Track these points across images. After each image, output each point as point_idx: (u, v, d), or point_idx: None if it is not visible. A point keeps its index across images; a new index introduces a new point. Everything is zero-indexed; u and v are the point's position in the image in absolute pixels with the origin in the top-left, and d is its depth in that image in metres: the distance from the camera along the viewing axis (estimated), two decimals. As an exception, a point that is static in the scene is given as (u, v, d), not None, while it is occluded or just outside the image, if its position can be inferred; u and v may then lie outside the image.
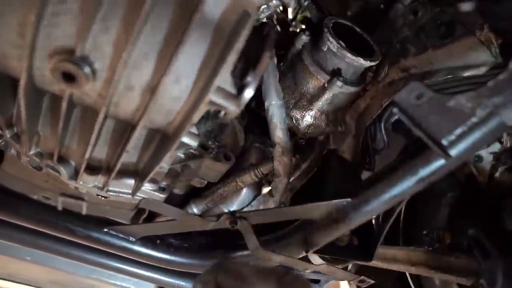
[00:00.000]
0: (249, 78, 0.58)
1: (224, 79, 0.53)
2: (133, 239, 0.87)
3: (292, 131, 0.99)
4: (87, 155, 0.65)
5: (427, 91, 0.56)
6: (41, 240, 0.88)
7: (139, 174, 0.75)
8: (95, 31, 0.48)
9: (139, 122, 0.55)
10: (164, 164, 0.76)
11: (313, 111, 0.93)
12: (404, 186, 0.67)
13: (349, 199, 0.74)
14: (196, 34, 0.49)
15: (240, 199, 1.05)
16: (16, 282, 1.11)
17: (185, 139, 0.66)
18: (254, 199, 1.01)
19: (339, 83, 0.85)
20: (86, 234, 0.83)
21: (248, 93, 0.57)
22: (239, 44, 0.48)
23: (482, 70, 0.82)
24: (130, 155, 0.72)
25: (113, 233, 0.85)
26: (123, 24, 0.47)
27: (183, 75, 0.52)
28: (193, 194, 1.04)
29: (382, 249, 0.95)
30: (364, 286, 0.87)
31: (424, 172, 0.65)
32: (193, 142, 0.67)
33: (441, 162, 0.63)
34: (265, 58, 0.59)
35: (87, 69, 0.50)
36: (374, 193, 0.70)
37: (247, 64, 0.60)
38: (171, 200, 1.07)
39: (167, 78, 0.51)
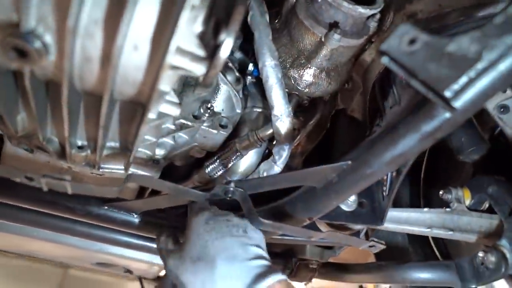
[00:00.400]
0: (221, 36, 0.52)
1: (186, 40, 0.48)
2: (135, 215, 0.86)
3: (292, 92, 0.93)
4: (65, 134, 0.62)
5: (420, 35, 0.49)
6: (46, 219, 0.89)
7: (128, 149, 0.72)
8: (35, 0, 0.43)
9: (104, 95, 0.51)
10: (149, 137, 0.72)
11: (312, 69, 0.86)
12: (407, 145, 0.61)
13: (349, 162, 0.68)
14: (147, -9, 0.44)
15: (245, 167, 1.01)
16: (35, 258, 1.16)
17: (164, 109, 0.62)
18: (257, 166, 0.97)
19: (336, 36, 0.78)
20: (85, 212, 0.83)
21: (224, 52, 0.52)
22: (192, -2, 0.42)
23: (499, 8, 0.72)
24: (112, 130, 0.69)
25: (114, 209, 0.84)
26: (61, -13, 0.42)
27: (140, 40, 0.47)
28: (197, 164, 1.01)
29: (396, 211, 0.89)
30: (376, 251, 0.83)
31: (427, 128, 0.58)
32: (173, 111, 0.63)
33: (445, 116, 0.56)
34: (237, 13, 0.53)
35: (37, 43, 0.46)
36: (374, 154, 0.64)
37: (219, 22, 0.54)
38: (175, 172, 1.06)
39: (123, 45, 0.46)
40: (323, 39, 0.80)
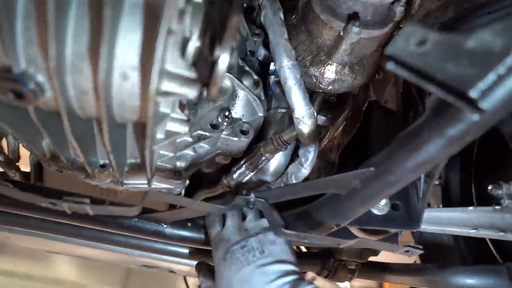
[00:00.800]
0: (216, 52, 0.50)
1: (174, 63, 0.46)
2: (164, 225, 0.87)
3: (316, 90, 0.88)
4: (81, 156, 0.64)
5: (430, 34, 0.43)
6: (85, 231, 0.93)
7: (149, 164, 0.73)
8: (20, 43, 0.43)
9: (102, 124, 0.51)
10: (165, 152, 0.72)
11: (333, 65, 0.81)
12: (432, 151, 0.55)
13: (372, 169, 0.63)
14: (125, 20, 0.42)
15: (274, 167, 0.98)
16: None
17: (171, 127, 0.61)
18: (286, 169, 0.94)
19: (355, 29, 0.71)
20: (117, 224, 0.85)
21: (221, 69, 0.50)
22: (167, 18, 0.40)
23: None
24: (131, 148, 0.70)
25: (144, 221, 0.86)
26: (41, 32, 0.42)
27: (127, 69, 0.46)
28: (226, 169, 1.01)
29: (436, 212, 0.82)
30: (413, 256, 0.77)
31: (453, 132, 0.52)
32: (182, 129, 0.62)
33: (473, 118, 0.49)
34: (230, 26, 0.50)
35: (31, 84, 0.47)
36: (397, 162, 0.59)
37: (214, 37, 0.52)
38: (205, 178, 1.06)
39: (110, 76, 0.45)
40: (341, 33, 0.74)
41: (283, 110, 0.95)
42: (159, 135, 0.60)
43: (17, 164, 1.14)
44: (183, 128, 0.62)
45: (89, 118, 0.56)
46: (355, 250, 1.04)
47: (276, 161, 0.98)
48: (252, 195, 0.71)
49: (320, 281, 1.23)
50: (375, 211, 0.79)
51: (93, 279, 2.86)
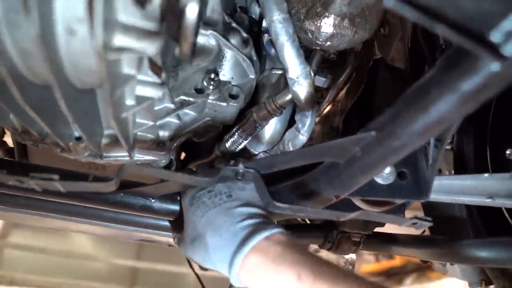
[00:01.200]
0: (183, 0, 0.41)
1: (129, 12, 0.38)
2: (152, 200, 0.81)
3: (314, 48, 0.79)
4: (48, 131, 0.57)
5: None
6: (72, 208, 0.88)
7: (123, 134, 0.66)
8: None
9: (53, 89, 0.44)
10: (143, 120, 0.65)
11: (331, 18, 0.71)
12: (442, 110, 0.47)
13: (373, 133, 0.55)
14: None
15: (269, 134, 0.91)
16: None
17: (142, 92, 0.53)
18: (282, 136, 0.87)
19: (354, -27, 0.62)
20: (102, 199, 0.79)
21: (189, 18, 0.42)
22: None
23: None
24: (107, 118, 0.63)
25: (130, 196, 0.80)
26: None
27: (73, 23, 0.38)
28: (219, 137, 0.94)
29: (447, 179, 0.75)
30: (420, 229, 0.70)
31: (468, 86, 0.43)
32: (156, 92, 0.55)
33: (492, 68, 0.41)
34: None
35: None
36: (402, 124, 0.51)
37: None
38: (198, 147, 0.99)
39: (55, 30, 0.38)
40: (339, -21, 0.65)
41: (279, 72, 0.86)
42: (129, 101, 0.53)
43: (2, 139, 1.09)
44: (156, 93, 0.54)
45: (46, 84, 0.49)
46: (360, 221, 0.98)
47: (271, 127, 0.90)
48: (241, 165, 0.64)
49: (324, 253, 1.18)
50: (379, 180, 0.71)
51: (107, 251, 2.90)
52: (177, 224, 0.76)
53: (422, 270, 3.22)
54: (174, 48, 0.58)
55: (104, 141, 0.68)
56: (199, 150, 1.02)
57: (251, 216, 0.61)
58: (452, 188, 0.75)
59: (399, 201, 0.75)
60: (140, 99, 0.54)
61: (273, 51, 0.87)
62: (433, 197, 0.69)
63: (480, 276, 1.12)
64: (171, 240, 1.41)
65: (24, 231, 2.78)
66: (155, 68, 0.54)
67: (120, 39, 0.38)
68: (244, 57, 0.74)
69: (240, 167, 0.64)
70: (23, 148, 0.98)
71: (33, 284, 2.60)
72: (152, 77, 0.54)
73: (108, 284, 2.82)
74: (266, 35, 0.87)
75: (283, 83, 0.88)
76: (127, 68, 0.46)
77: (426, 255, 0.93)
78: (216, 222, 0.61)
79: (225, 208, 0.62)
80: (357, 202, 0.76)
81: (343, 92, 0.99)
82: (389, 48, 0.90)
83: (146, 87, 0.53)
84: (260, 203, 0.65)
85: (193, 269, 1.67)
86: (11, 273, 2.62)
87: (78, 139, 0.67)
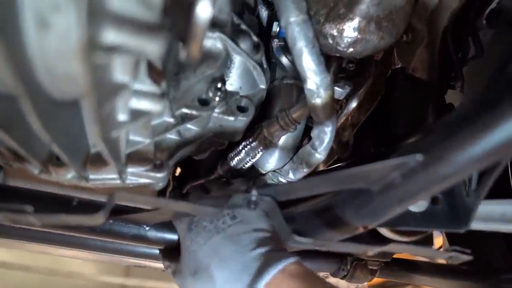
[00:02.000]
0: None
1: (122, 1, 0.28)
2: (146, 227, 0.71)
3: (331, 55, 0.70)
4: (18, 149, 0.46)
5: None
6: (53, 236, 0.77)
7: (113, 155, 0.55)
8: None
9: (21, 101, 0.34)
10: (138, 138, 0.55)
11: (355, 21, 0.62)
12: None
13: (419, 156, 0.46)
14: None
15: (280, 153, 0.81)
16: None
17: (138, 105, 0.43)
18: (293, 156, 0.77)
19: (388, -32, 0.53)
20: (90, 229, 0.69)
21: (201, 14, 0.32)
22: None
23: None
24: (93, 134, 0.53)
25: (121, 223, 0.70)
26: None
27: (46, 10, 0.28)
28: (222, 155, 0.84)
29: (485, 205, 0.66)
30: (458, 262, 0.61)
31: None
32: (155, 106, 0.45)
33: None
34: None
35: None
36: (457, 148, 0.42)
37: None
38: (200, 165, 0.89)
39: (22, 22, 0.28)
40: (368, -25, 0.56)
41: (290, 82, 0.77)
42: (121, 116, 0.43)
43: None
44: (155, 106, 0.44)
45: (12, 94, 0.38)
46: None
47: (283, 143, 0.81)
48: (254, 193, 0.54)
49: (333, 279, 1.08)
50: (412, 208, 0.62)
51: (94, 269, 2.75)
52: (169, 251, 0.66)
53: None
54: (178, 50, 0.48)
55: (91, 160, 0.58)
56: (197, 167, 0.92)
57: (261, 243, 0.53)
58: (492, 215, 0.65)
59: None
60: (135, 114, 0.44)
61: (284, 58, 0.78)
62: (472, 227, 0.60)
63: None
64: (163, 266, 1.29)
65: (7, 249, 2.64)
66: (155, 74, 0.44)
67: (110, 35, 0.28)
68: (255, 64, 0.65)
69: (253, 194, 0.54)
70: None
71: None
72: (150, 87, 0.44)
73: (95, 303, 2.67)
74: (276, 40, 0.78)
75: (296, 94, 0.79)
76: (119, 75, 0.36)
77: (453, 287, 0.83)
78: (222, 252, 0.53)
79: (231, 234, 0.54)
80: (383, 231, 0.67)
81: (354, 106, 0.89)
82: (411, 56, 0.81)
83: (142, 99, 0.43)
84: (268, 226, 0.57)
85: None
86: (-3, 291, 2.47)
87: (59, 159, 0.57)
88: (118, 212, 0.71)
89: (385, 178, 0.50)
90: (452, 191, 0.63)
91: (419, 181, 0.47)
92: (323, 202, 0.63)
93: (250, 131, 0.75)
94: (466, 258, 0.59)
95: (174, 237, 0.73)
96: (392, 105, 0.89)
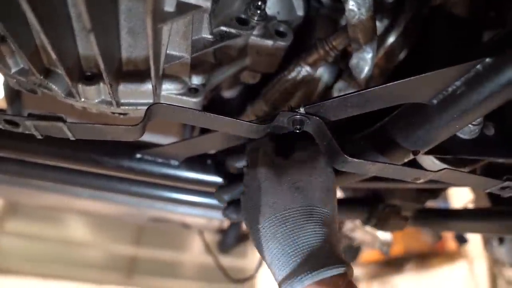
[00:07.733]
0: None
1: None
2: (176, 163, 0.67)
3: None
4: (52, 55, 0.43)
5: None
6: (79, 177, 0.74)
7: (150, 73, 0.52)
8: None
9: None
10: (176, 52, 0.51)
11: None
12: None
13: (488, 59, 0.42)
14: None
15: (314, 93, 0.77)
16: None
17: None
18: (330, 87, 0.73)
19: None
20: (115, 164, 0.66)
21: None
22: None
23: None
24: (123, 45, 0.49)
25: (149, 158, 0.66)
26: None
27: None
28: (251, 95, 0.80)
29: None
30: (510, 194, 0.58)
31: None
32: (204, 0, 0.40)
33: None
34: None
35: None
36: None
37: None
38: (224, 108, 0.85)
39: None
40: None
41: (325, 11, 0.72)
42: (167, 8, 0.39)
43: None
44: (203, 1, 0.40)
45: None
46: (411, 192, 0.85)
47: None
48: (301, 110, 0.50)
49: (360, 233, 1.05)
50: (461, 134, 0.58)
51: (105, 237, 2.76)
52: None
53: (422, 257, 3.14)
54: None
55: (123, 76, 0.54)
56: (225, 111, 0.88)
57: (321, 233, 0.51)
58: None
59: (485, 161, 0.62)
60: (182, 7, 0.40)
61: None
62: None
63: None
64: (186, 219, 1.27)
65: (20, 219, 2.65)
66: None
67: None
68: (297, -11, 0.60)
69: (301, 111, 0.50)
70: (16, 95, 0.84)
71: (29, 273, 2.46)
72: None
73: (105, 271, 2.68)
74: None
75: (329, 26, 0.74)
76: None
77: (492, 229, 0.79)
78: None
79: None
80: (428, 162, 0.63)
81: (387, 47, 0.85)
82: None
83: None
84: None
85: (214, 255, 1.53)
86: (7, 261, 2.48)
87: (89, 78, 0.53)
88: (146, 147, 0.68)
89: (446, 87, 0.46)
90: (504, 118, 0.60)
91: (488, 88, 0.43)
92: (375, 127, 0.59)
93: (282, 66, 0.71)
94: (521, 188, 0.56)
95: (204, 175, 0.70)
96: (428, 45, 0.84)
